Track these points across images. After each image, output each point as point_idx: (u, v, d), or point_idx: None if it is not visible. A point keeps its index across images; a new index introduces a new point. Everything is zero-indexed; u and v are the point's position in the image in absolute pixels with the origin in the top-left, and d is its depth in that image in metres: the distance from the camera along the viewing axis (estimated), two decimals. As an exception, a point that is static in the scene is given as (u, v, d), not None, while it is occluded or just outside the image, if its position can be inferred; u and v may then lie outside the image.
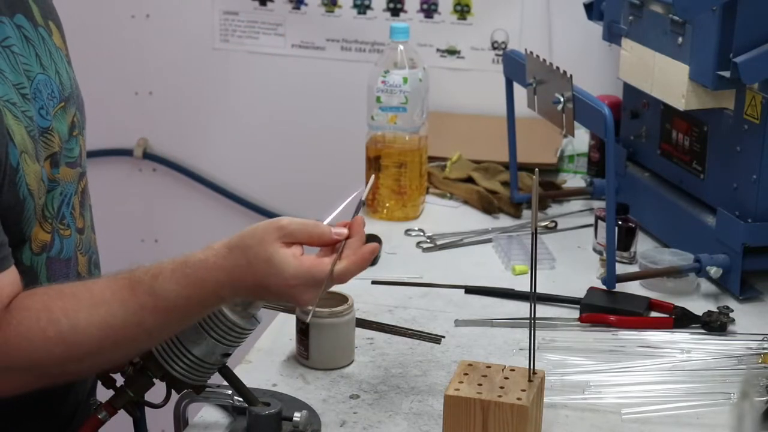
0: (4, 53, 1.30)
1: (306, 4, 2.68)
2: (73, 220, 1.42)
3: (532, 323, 1.35)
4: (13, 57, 1.31)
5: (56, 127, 1.36)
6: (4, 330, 1.23)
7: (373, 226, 2.07)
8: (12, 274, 1.26)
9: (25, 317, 1.24)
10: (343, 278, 1.29)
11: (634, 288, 1.82)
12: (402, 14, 2.63)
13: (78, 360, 1.26)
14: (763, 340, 1.63)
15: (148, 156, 2.87)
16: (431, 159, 2.26)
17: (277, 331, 1.66)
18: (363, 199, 1.40)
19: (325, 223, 1.37)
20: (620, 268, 1.82)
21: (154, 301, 1.25)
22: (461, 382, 1.34)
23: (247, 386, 1.39)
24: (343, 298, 1.58)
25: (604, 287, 1.78)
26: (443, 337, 1.65)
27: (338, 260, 1.28)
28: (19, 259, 1.32)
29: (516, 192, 2.14)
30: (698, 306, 1.75)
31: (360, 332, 1.63)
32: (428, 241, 2.03)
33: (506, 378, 1.35)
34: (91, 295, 1.26)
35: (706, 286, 1.85)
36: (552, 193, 2.23)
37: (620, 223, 1.91)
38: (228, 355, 1.35)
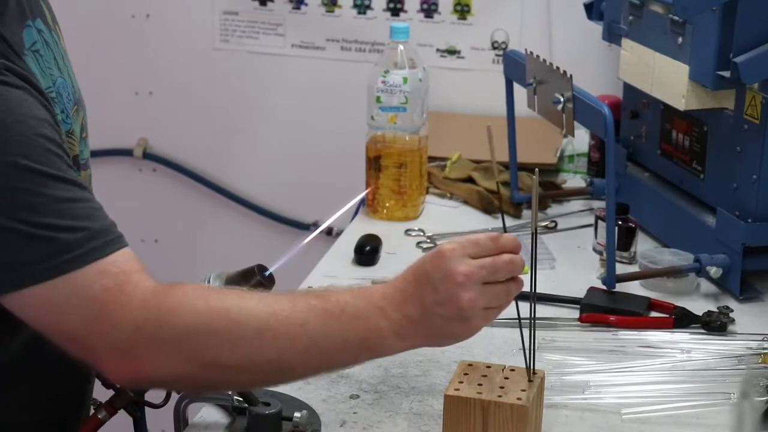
0: (35, 57, 1.31)
1: (306, 4, 2.68)
2: None
3: (532, 323, 1.35)
4: (42, 61, 1.32)
5: (74, 129, 1.38)
6: (163, 297, 1.19)
7: (373, 226, 2.07)
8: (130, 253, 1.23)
9: (191, 287, 1.22)
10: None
11: (634, 288, 1.82)
12: (402, 14, 2.63)
13: (232, 344, 1.20)
14: (763, 340, 1.63)
15: (148, 156, 2.87)
16: (431, 159, 2.26)
17: (277, 331, 1.66)
18: None
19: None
20: (620, 268, 1.82)
21: (323, 303, 1.23)
22: (461, 382, 1.34)
23: (247, 386, 1.39)
24: (343, 298, 1.58)
25: (604, 287, 1.78)
26: (443, 337, 1.65)
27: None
28: None
29: (516, 192, 2.14)
30: (698, 306, 1.75)
31: (360, 332, 1.63)
32: (428, 241, 2.03)
33: (506, 378, 1.35)
34: (260, 293, 1.26)
35: (706, 286, 1.85)
36: (552, 193, 2.23)
37: (620, 223, 1.91)
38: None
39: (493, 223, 2.13)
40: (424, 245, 2.01)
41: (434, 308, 1.23)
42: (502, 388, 1.32)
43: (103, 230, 1.20)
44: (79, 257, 1.17)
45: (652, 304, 1.76)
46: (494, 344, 1.65)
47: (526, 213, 2.16)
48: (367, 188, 2.13)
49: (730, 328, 1.69)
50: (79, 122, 1.42)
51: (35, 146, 1.17)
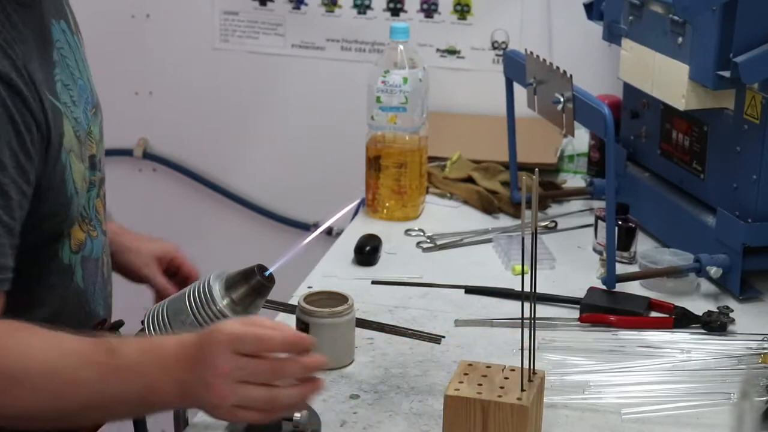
0: (59, 56, 1.37)
1: (306, 4, 2.68)
2: (98, 222, 1.48)
3: (532, 323, 1.35)
4: (64, 60, 1.38)
5: (93, 130, 1.44)
6: None
7: (373, 226, 2.07)
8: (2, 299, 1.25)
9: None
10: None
11: (634, 288, 1.82)
12: (402, 14, 2.63)
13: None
14: (763, 340, 1.63)
15: (148, 156, 2.87)
16: (431, 159, 2.26)
17: (277, 331, 1.66)
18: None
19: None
20: (620, 268, 1.82)
21: (109, 359, 1.21)
22: (461, 382, 1.34)
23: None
24: (343, 298, 1.58)
25: (604, 287, 1.78)
26: (443, 337, 1.64)
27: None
28: (59, 256, 1.38)
29: (516, 192, 2.14)
30: (698, 306, 1.75)
31: (360, 332, 1.63)
32: (428, 241, 2.03)
33: (506, 378, 1.35)
34: (60, 341, 1.23)
35: (706, 286, 1.85)
36: (552, 193, 2.23)
37: (620, 223, 1.91)
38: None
39: (493, 222, 2.13)
40: (424, 245, 2.01)
41: (195, 381, 1.21)
42: (502, 388, 1.32)
43: None
44: None
45: (652, 304, 1.76)
46: (494, 344, 1.65)
47: (526, 213, 2.15)
48: (367, 188, 2.13)
49: (730, 328, 1.69)
50: (98, 125, 1.47)
51: None
